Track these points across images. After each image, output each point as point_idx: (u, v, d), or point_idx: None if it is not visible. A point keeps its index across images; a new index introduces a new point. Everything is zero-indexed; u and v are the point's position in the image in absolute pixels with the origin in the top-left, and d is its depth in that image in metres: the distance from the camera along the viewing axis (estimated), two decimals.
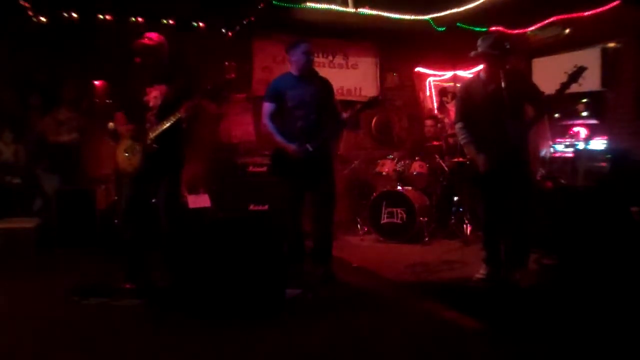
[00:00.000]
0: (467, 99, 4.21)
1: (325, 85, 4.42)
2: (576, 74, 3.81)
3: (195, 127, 4.44)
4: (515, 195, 4.06)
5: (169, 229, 3.97)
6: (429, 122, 7.13)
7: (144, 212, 4.05)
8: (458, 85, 7.67)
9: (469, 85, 4.33)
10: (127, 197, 4.07)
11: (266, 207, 6.01)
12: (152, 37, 4.02)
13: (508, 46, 4.13)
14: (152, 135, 3.91)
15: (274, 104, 4.32)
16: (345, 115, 4.47)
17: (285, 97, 4.26)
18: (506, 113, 3.90)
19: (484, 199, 4.19)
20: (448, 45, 7.19)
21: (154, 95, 3.98)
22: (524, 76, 4.74)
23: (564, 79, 3.83)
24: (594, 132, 5.85)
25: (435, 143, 6.74)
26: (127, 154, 3.99)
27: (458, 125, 4.25)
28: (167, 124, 3.88)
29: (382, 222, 6.22)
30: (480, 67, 4.28)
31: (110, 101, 5.58)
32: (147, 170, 3.95)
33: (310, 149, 4.18)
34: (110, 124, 4.18)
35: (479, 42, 4.11)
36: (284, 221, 4.28)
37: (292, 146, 4.20)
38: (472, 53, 4.13)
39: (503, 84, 3.93)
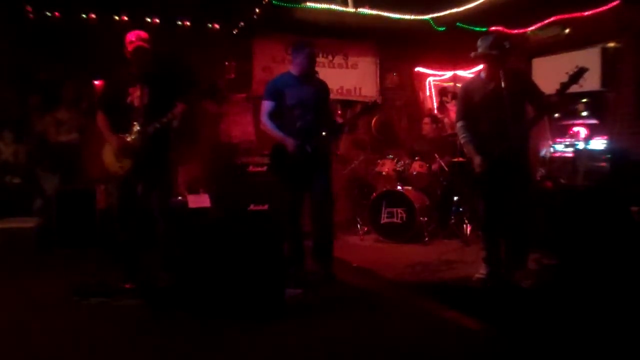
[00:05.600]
0: (467, 99, 4.23)
1: (323, 87, 4.47)
2: (577, 75, 3.80)
3: (192, 127, 4.43)
4: (514, 195, 4.06)
5: (165, 229, 3.97)
6: (426, 120, 7.15)
7: (138, 214, 4.04)
8: (458, 85, 7.68)
9: (469, 85, 4.36)
10: (119, 200, 4.06)
11: (266, 207, 6.01)
12: (145, 36, 3.99)
13: (508, 46, 4.14)
14: (143, 135, 3.89)
15: (273, 103, 4.32)
16: (342, 120, 4.51)
17: (284, 96, 4.27)
18: (506, 113, 3.91)
19: (483, 198, 4.20)
20: (448, 45, 7.17)
21: (137, 95, 3.93)
22: (525, 75, 4.74)
23: (565, 78, 3.83)
24: (594, 132, 5.84)
25: (431, 137, 6.78)
26: (117, 157, 3.95)
27: (459, 124, 4.27)
28: (159, 125, 3.87)
29: (382, 222, 6.22)
30: (481, 66, 4.29)
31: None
32: (139, 172, 3.94)
33: (309, 150, 4.19)
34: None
35: (479, 42, 4.12)
36: (283, 221, 4.28)
37: (290, 140, 4.20)
38: (472, 54, 4.15)
39: (503, 84, 3.95)
